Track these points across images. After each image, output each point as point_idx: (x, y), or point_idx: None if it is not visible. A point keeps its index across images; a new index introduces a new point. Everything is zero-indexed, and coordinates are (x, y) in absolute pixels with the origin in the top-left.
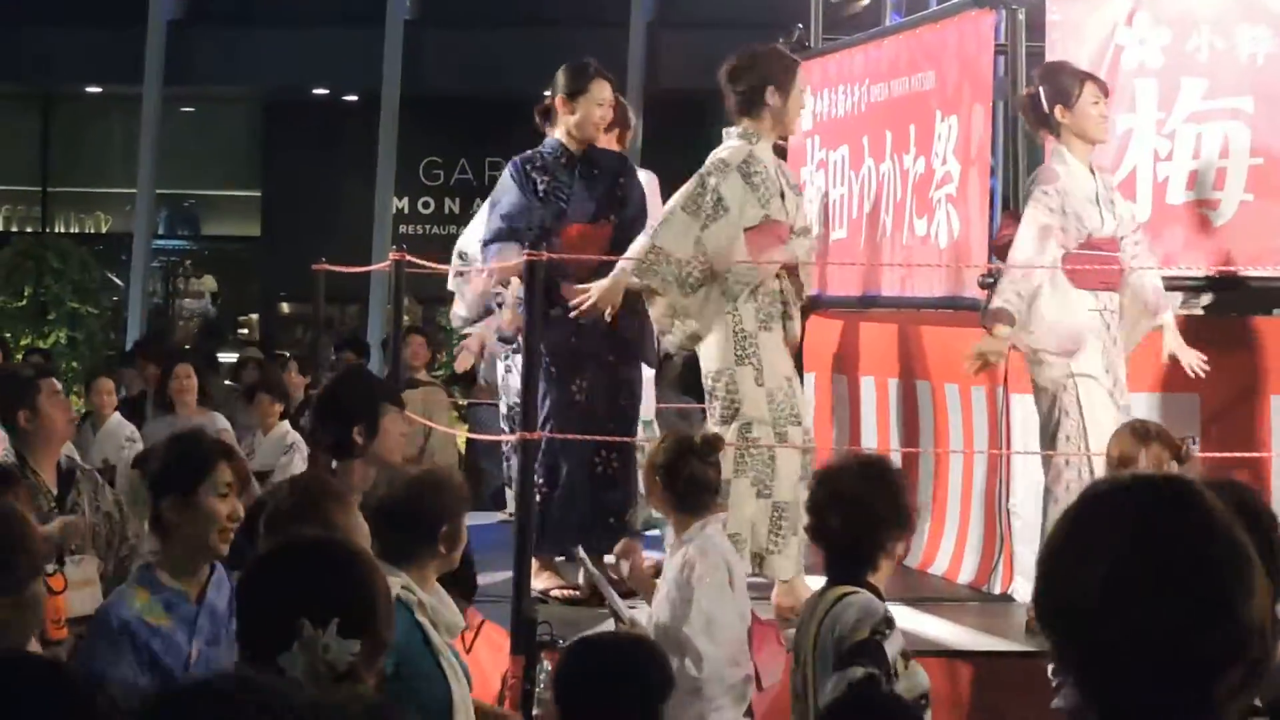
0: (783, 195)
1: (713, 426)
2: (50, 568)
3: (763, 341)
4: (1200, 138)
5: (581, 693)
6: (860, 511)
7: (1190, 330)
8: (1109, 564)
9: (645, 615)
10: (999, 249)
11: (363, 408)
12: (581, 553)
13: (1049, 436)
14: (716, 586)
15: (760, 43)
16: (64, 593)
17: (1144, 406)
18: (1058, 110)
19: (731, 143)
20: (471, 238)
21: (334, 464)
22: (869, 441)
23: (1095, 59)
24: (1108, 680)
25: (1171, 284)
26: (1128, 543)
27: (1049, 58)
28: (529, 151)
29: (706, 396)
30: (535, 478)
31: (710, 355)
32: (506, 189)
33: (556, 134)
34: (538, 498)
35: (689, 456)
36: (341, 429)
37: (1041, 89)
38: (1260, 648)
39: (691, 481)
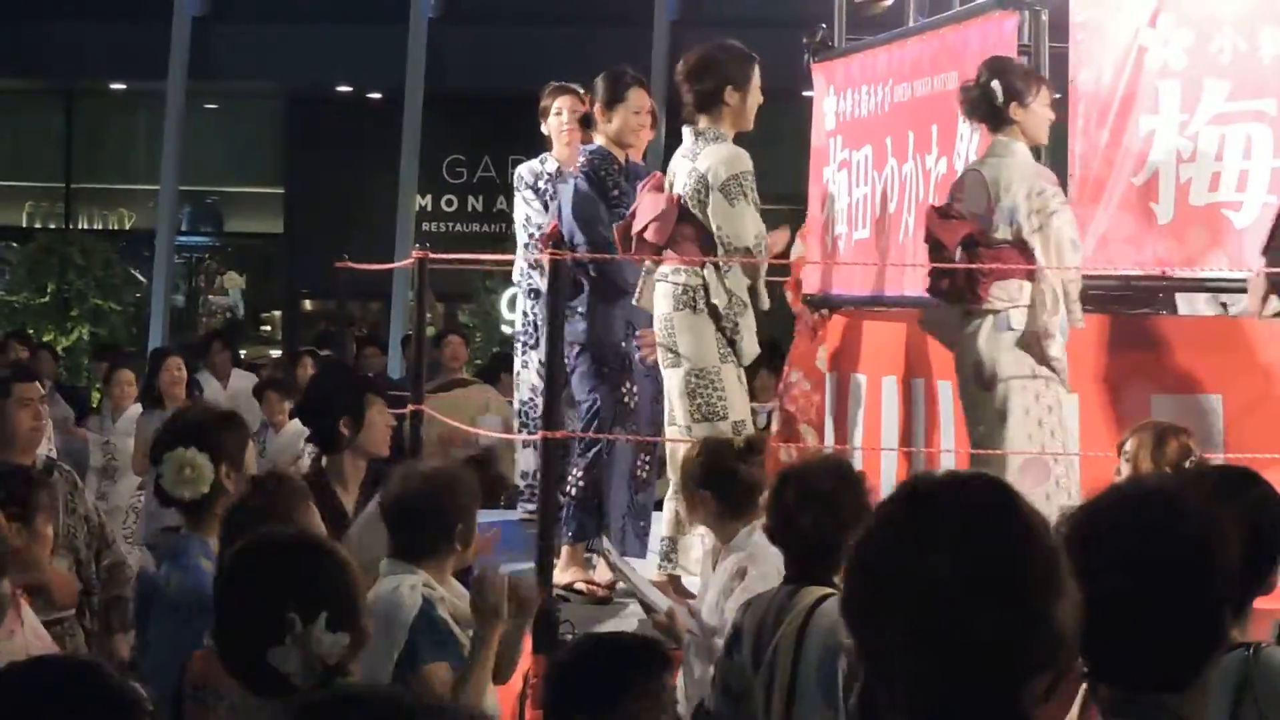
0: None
1: (680, 424)
2: None
3: (737, 345)
4: (1223, 139)
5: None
6: (830, 511)
7: (1212, 330)
8: (923, 566)
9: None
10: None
11: (347, 401)
12: (607, 543)
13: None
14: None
15: (717, 41)
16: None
17: (1169, 408)
18: (1012, 107)
19: (724, 149)
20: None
21: (323, 459)
22: (889, 441)
23: (1119, 60)
24: (916, 682)
25: (1195, 285)
26: (944, 545)
27: (1072, 59)
28: (589, 161)
29: (678, 393)
30: (576, 472)
31: (690, 352)
32: (589, 201)
33: (598, 140)
34: (574, 491)
35: (735, 461)
36: (328, 423)
37: (996, 82)
38: (1067, 656)
39: (744, 484)
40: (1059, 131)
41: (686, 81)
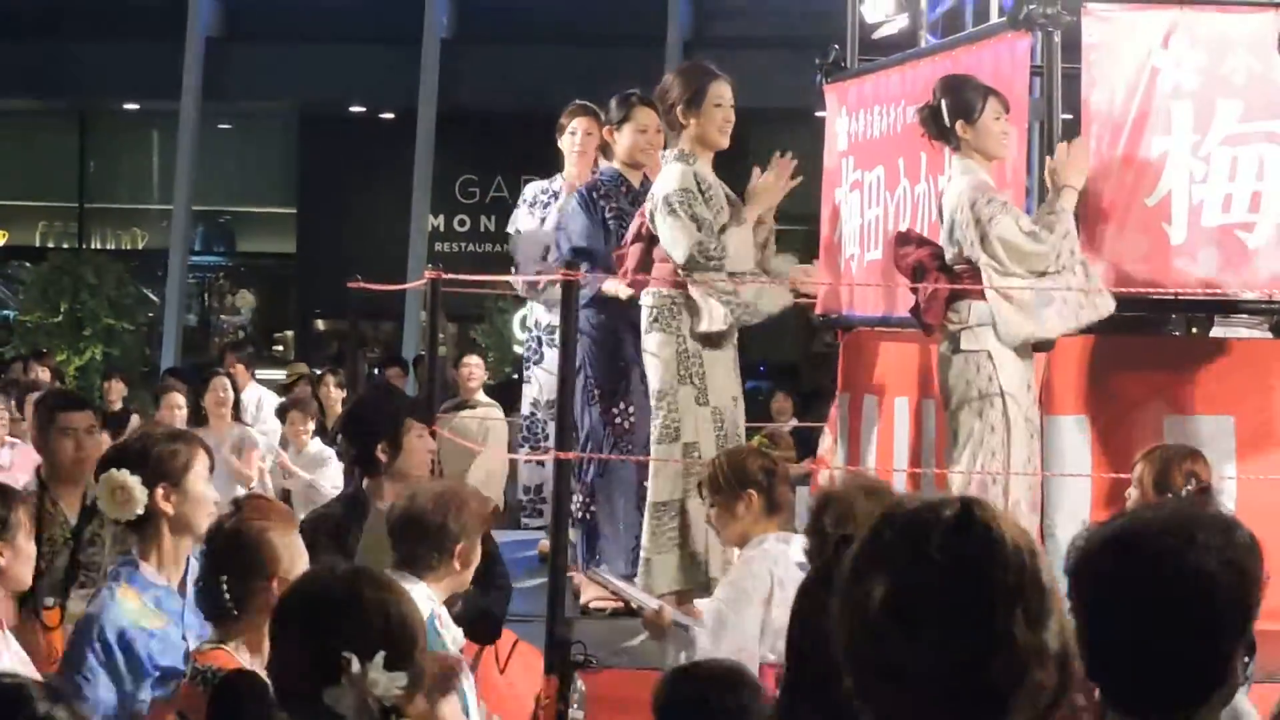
0: (723, 211)
1: (653, 445)
2: (49, 601)
3: (708, 359)
4: (1236, 160)
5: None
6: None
7: (1225, 352)
8: (886, 590)
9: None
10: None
11: (386, 425)
12: (594, 570)
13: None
14: (742, 593)
15: (691, 60)
16: (59, 628)
17: (1181, 429)
18: (959, 125)
19: (672, 169)
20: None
21: (364, 481)
22: (900, 463)
23: (1131, 81)
24: (886, 704)
25: (1206, 306)
26: (905, 569)
27: (1084, 80)
28: (591, 180)
29: (652, 411)
30: (583, 496)
31: (655, 373)
32: (573, 215)
33: (614, 164)
34: (585, 515)
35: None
36: (366, 446)
37: (943, 101)
38: (1047, 676)
39: (782, 479)
40: None
41: (660, 105)
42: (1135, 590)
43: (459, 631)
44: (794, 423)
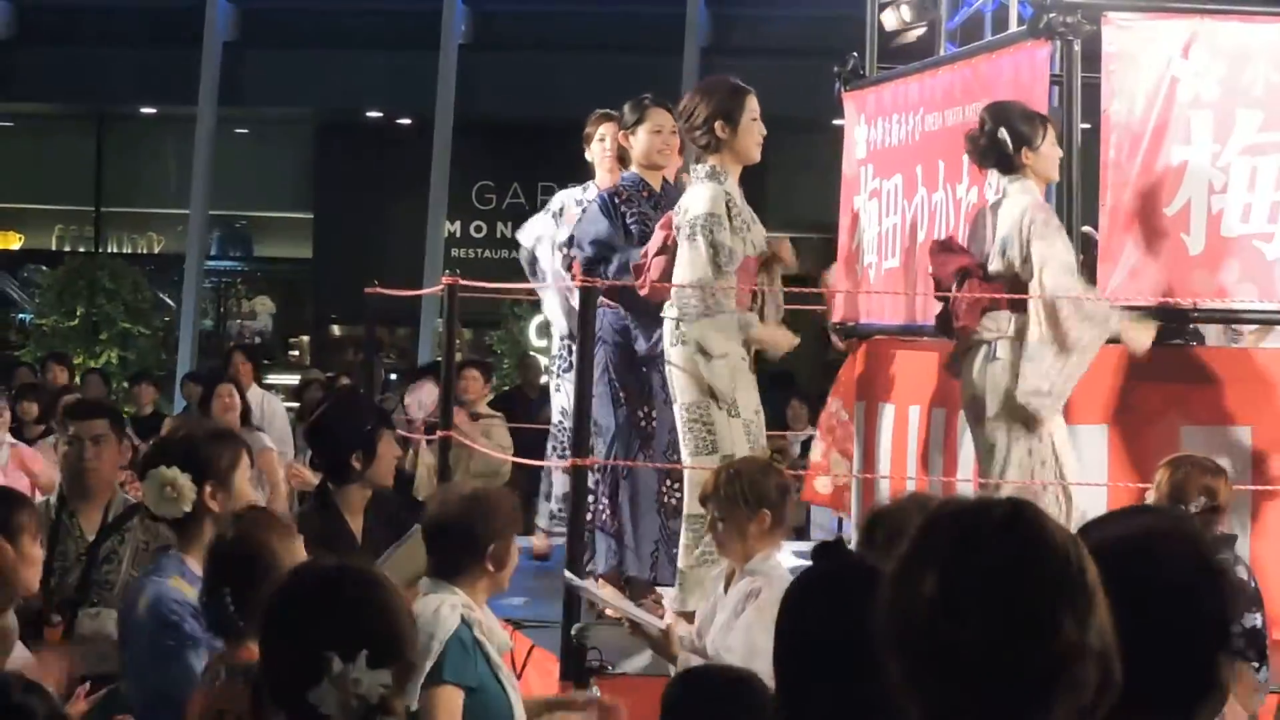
0: (748, 227)
1: (687, 456)
2: (55, 617)
3: (728, 371)
4: (1255, 171)
5: None
6: None
7: (1242, 362)
8: (937, 582)
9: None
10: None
11: (359, 434)
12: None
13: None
14: (770, 620)
15: (713, 76)
16: (61, 646)
17: (1198, 440)
18: (1024, 152)
19: (704, 189)
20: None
21: (331, 487)
22: (913, 471)
23: (1151, 90)
24: (937, 697)
25: (1225, 317)
26: (955, 562)
27: (1104, 89)
28: (612, 186)
29: (680, 426)
30: (599, 501)
31: (683, 386)
32: (594, 219)
33: (633, 169)
34: (601, 519)
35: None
36: (338, 455)
37: (1002, 129)
38: (1090, 671)
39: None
40: (1090, 162)
41: (684, 124)
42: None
43: (504, 636)
44: (810, 430)
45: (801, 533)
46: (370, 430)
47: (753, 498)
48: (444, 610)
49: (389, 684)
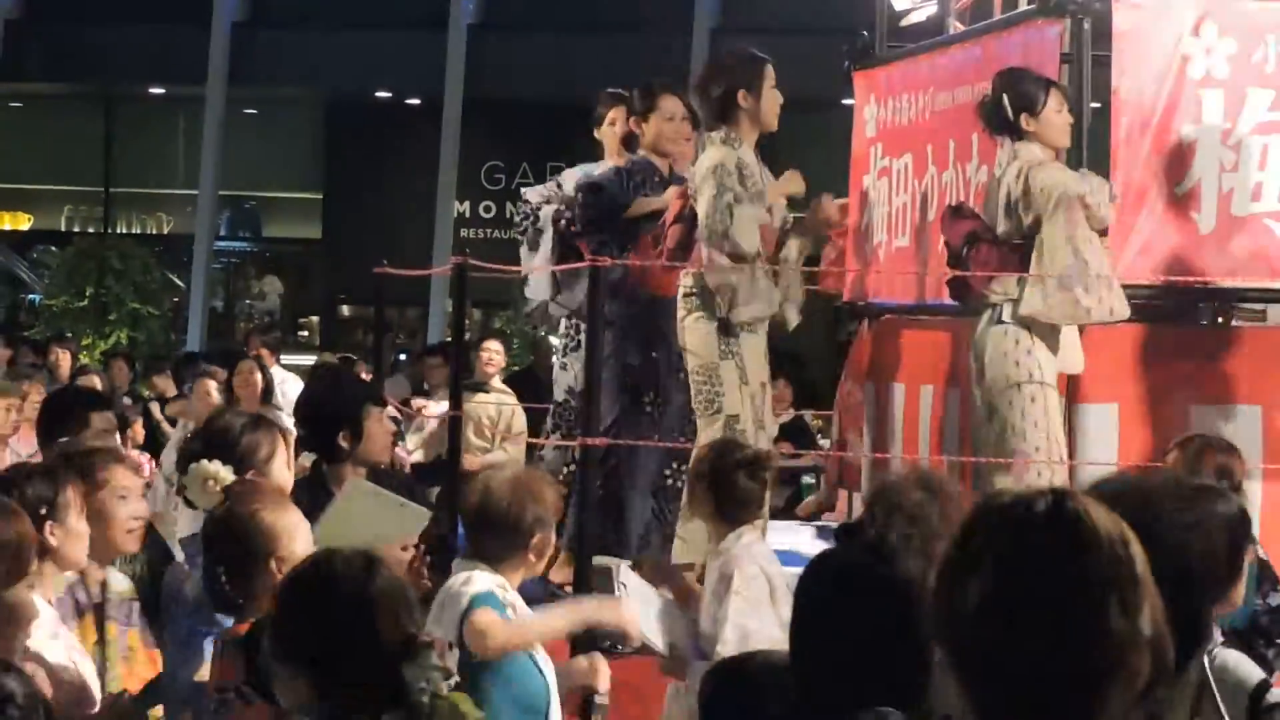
0: (761, 195)
1: (697, 417)
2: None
3: (745, 343)
4: (1266, 149)
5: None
6: (919, 528)
7: (1251, 342)
8: (982, 580)
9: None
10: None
11: (346, 412)
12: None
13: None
14: (752, 600)
15: (729, 50)
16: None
17: (1208, 419)
18: (1023, 118)
19: (716, 150)
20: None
21: (324, 467)
22: (924, 451)
23: (1161, 69)
24: (987, 693)
25: (1235, 295)
26: (1000, 560)
27: (1115, 67)
28: (626, 164)
29: (691, 388)
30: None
31: (695, 350)
32: (604, 177)
33: (643, 153)
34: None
35: (736, 469)
36: (327, 434)
37: (1005, 96)
38: (1142, 662)
39: (736, 495)
40: (1101, 140)
41: (701, 93)
42: None
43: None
44: (791, 413)
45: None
46: (357, 408)
47: (721, 472)
48: (475, 575)
49: (454, 672)
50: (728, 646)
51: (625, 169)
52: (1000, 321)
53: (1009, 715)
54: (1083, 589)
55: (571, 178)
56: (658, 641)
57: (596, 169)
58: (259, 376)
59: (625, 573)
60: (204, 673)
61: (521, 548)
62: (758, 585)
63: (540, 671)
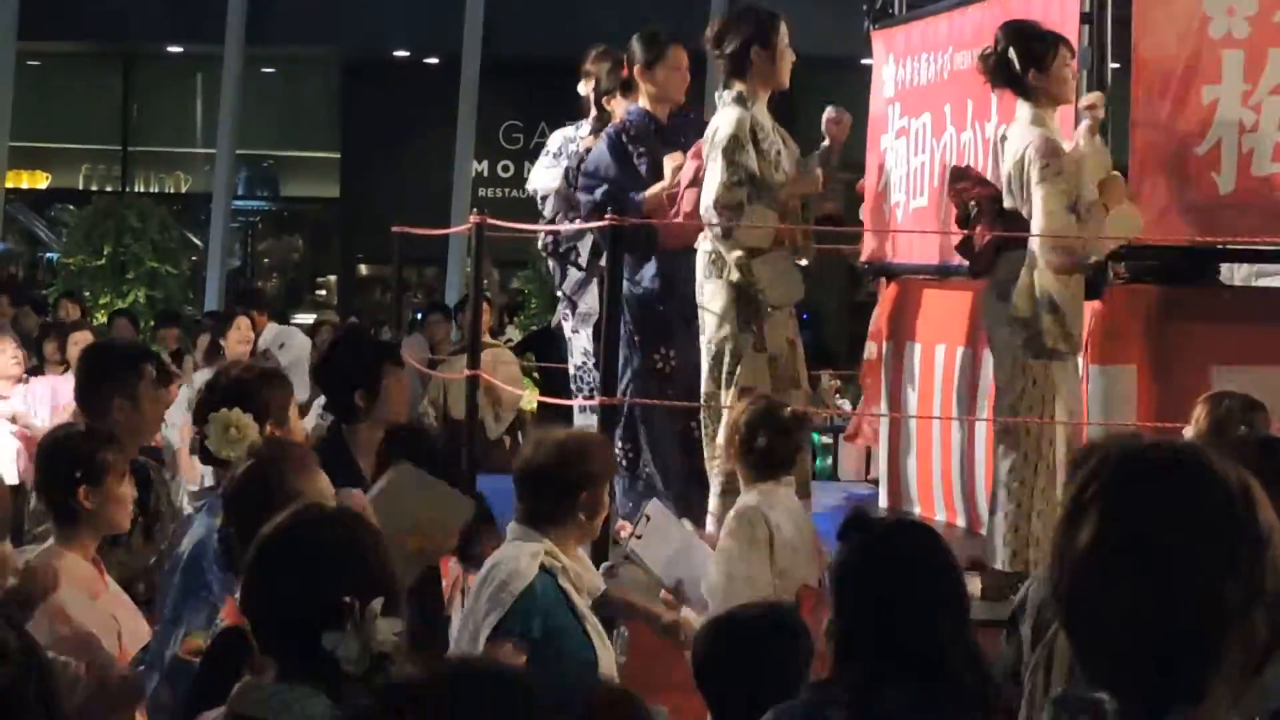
0: (779, 154)
1: (714, 390)
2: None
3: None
4: None
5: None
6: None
7: (1272, 303)
8: (1093, 531)
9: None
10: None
11: (362, 371)
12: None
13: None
14: (740, 545)
15: (743, 5)
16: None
17: (1229, 380)
18: (1031, 73)
19: (730, 112)
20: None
21: (342, 427)
22: (938, 410)
23: (1181, 29)
24: (1097, 652)
25: (1254, 256)
26: (1111, 510)
27: (1135, 27)
28: (620, 123)
29: (706, 357)
30: (624, 444)
31: (712, 318)
32: (603, 162)
33: (641, 102)
34: (624, 463)
35: (769, 428)
36: (344, 394)
37: (1012, 49)
38: (1260, 621)
39: (765, 452)
40: (1121, 101)
41: (715, 48)
42: (1140, 529)
43: (596, 580)
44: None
45: (830, 476)
46: (373, 366)
47: (749, 430)
48: (523, 561)
49: (400, 633)
50: (710, 588)
51: (616, 134)
52: (1008, 294)
53: (1114, 673)
54: (1194, 546)
55: (556, 142)
56: (663, 577)
57: (576, 129)
58: (251, 334)
59: (653, 506)
60: (190, 645)
61: (570, 508)
62: (755, 532)
63: (589, 639)
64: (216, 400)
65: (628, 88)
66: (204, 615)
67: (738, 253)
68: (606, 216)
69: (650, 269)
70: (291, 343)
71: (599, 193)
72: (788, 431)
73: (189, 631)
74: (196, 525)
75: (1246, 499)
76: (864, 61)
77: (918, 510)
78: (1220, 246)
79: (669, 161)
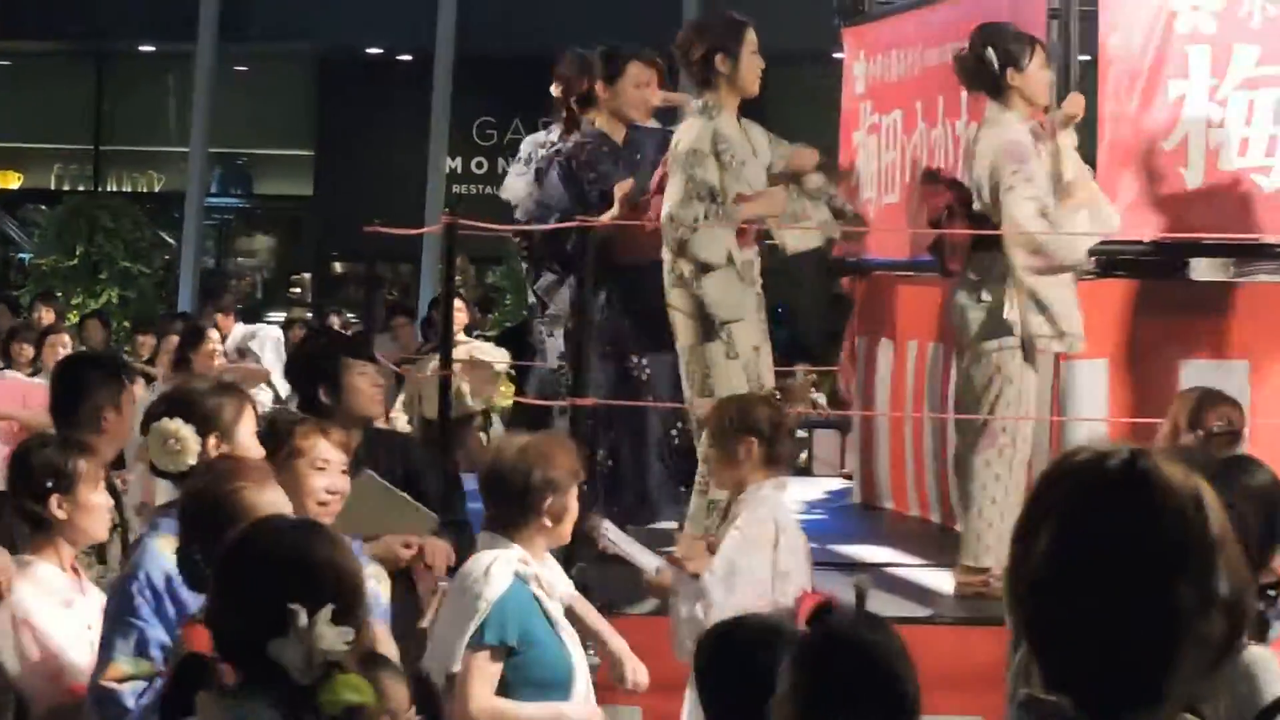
0: (743, 164)
1: (692, 399)
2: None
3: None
4: (1252, 104)
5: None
6: None
7: (1241, 297)
8: (1049, 539)
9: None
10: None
11: (324, 367)
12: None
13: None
14: (750, 540)
15: (711, 11)
16: None
17: (1197, 374)
18: (1009, 73)
19: (692, 124)
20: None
21: None
22: (911, 407)
23: (1148, 24)
24: (1055, 657)
25: (1222, 250)
26: (1067, 519)
27: (1101, 22)
28: (571, 145)
29: (681, 367)
30: (604, 450)
31: (682, 329)
32: (555, 192)
33: (598, 119)
34: (604, 468)
35: (772, 407)
36: (308, 388)
37: (989, 50)
38: (1216, 624)
39: (784, 429)
40: (1089, 96)
41: (681, 58)
42: (1100, 540)
43: (567, 586)
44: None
45: (804, 471)
46: (333, 362)
47: (739, 425)
48: (495, 569)
49: (351, 641)
50: (714, 576)
51: (568, 161)
52: (980, 300)
53: (1074, 681)
54: (1149, 554)
55: (526, 149)
56: (646, 560)
57: (548, 134)
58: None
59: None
60: (114, 672)
61: (533, 511)
62: (763, 531)
63: (562, 646)
64: (160, 411)
65: (587, 101)
66: (131, 641)
67: (689, 267)
68: (577, 218)
69: (621, 281)
70: (261, 334)
71: (551, 221)
72: (773, 429)
73: (113, 658)
74: (140, 550)
75: (1198, 506)
76: (836, 56)
77: (890, 505)
78: (1189, 241)
79: (618, 190)
